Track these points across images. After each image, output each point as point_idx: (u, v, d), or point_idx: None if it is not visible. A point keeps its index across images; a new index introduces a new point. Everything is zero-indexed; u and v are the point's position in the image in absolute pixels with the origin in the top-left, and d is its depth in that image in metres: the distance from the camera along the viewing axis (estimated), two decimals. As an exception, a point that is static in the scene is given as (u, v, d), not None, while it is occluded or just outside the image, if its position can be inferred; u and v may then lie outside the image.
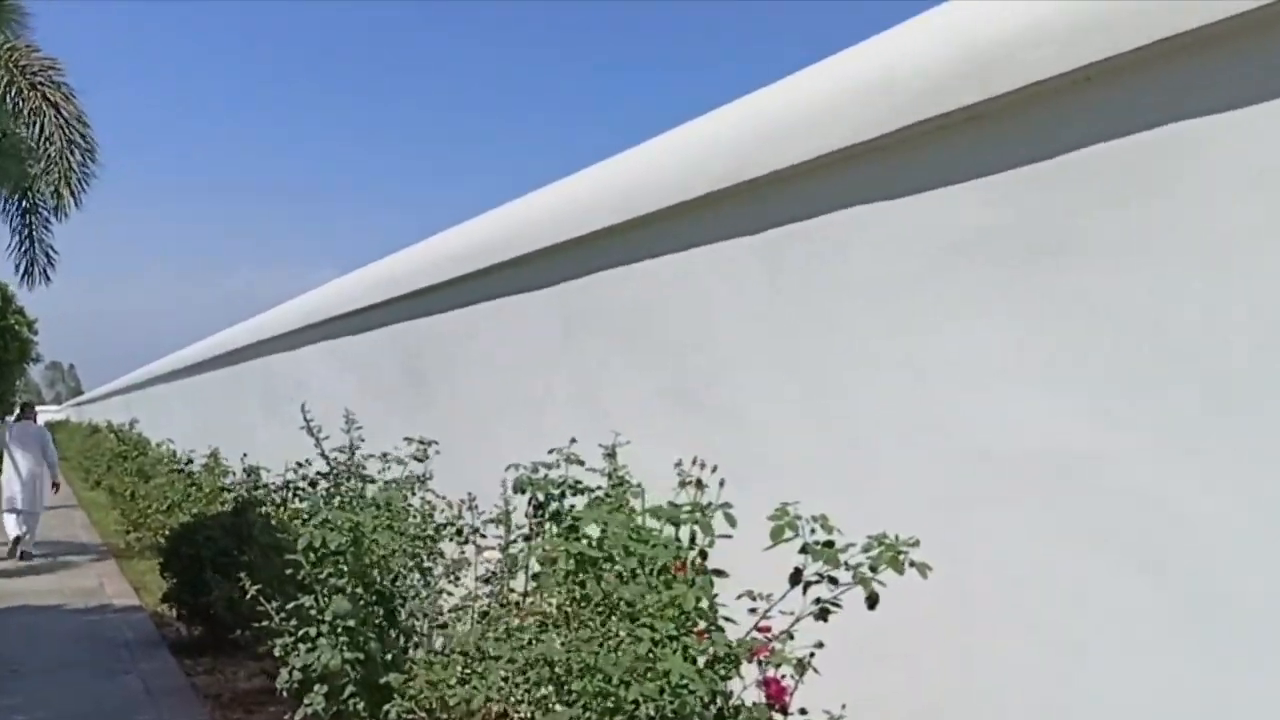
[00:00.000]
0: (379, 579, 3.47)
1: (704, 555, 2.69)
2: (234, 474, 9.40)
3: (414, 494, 3.98)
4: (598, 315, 4.68)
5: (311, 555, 3.36)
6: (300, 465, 5.59)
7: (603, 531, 3.28)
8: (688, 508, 2.70)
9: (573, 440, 3.79)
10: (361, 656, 3.29)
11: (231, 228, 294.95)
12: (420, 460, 3.71)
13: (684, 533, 2.78)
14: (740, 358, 3.75)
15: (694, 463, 2.99)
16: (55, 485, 13.04)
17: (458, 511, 3.72)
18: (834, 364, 3.34)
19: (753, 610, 2.56)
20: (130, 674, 6.45)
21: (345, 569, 3.32)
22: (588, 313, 4.75)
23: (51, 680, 6.27)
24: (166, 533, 9.73)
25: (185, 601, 7.13)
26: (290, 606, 3.51)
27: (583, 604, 2.72)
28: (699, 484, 2.77)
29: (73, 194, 11.51)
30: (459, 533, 3.68)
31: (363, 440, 4.18)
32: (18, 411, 13.85)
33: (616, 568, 2.69)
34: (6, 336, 40.18)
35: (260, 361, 11.14)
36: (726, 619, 2.69)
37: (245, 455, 7.81)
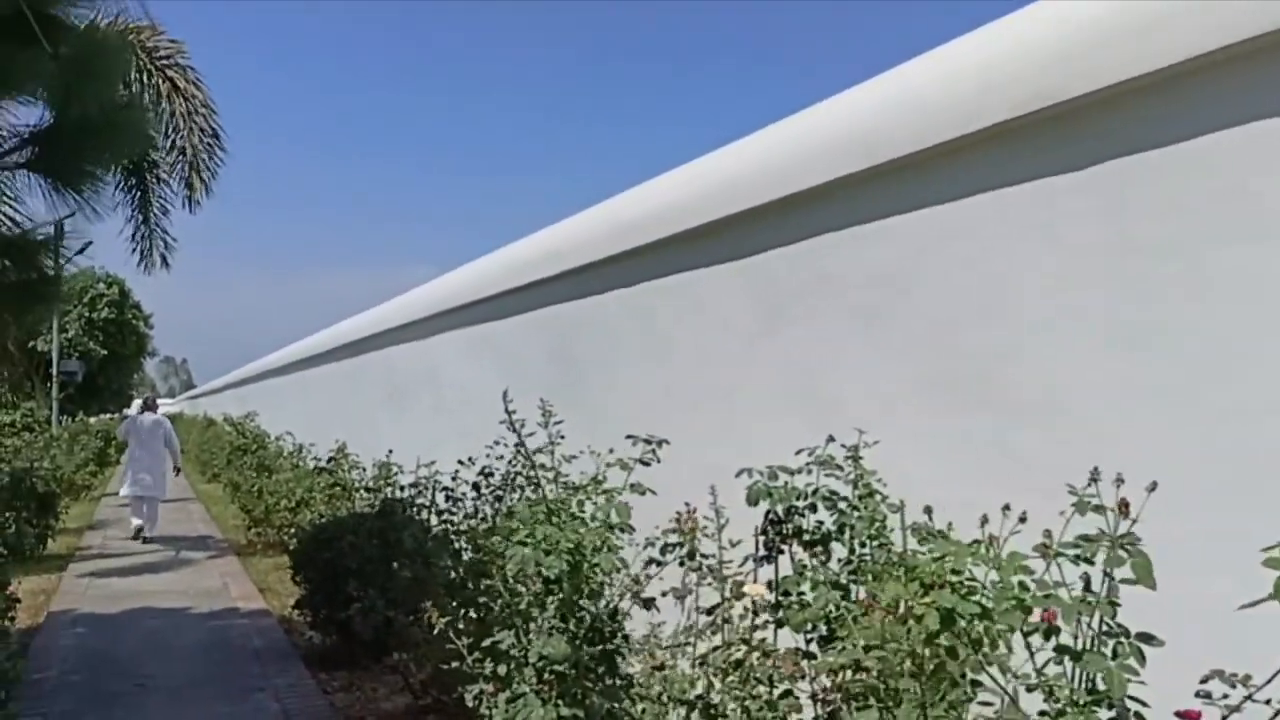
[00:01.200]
0: (596, 613, 2.72)
1: (1114, 605, 1.85)
2: (362, 469, 8.87)
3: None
4: (817, 289, 3.86)
5: (520, 582, 2.63)
6: (464, 464, 4.91)
7: (902, 568, 2.48)
8: (1105, 540, 1.86)
9: (809, 451, 2.99)
10: (581, 714, 2.55)
11: (319, 233, 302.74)
12: (645, 464, 2.95)
13: (1066, 571, 1.95)
14: (1053, 335, 2.89)
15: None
16: (177, 469, 13.79)
17: (686, 527, 2.94)
18: (1227, 337, 2.47)
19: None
20: (263, 690, 5.89)
21: (560, 599, 2.58)
22: (802, 287, 3.94)
23: (179, 699, 5.75)
24: (292, 531, 9.30)
25: (319, 610, 6.58)
26: (486, 644, 2.79)
27: (925, 673, 1.92)
28: (1099, 509, 1.92)
29: (204, 183, 11.21)
30: (690, 556, 2.91)
31: (562, 437, 3.44)
32: (140, 404, 14.54)
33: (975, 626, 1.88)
34: (125, 331, 41.50)
35: (385, 352, 10.64)
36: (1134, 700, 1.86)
37: (390, 451, 7.20)
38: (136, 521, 12.45)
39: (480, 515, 4.87)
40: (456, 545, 4.64)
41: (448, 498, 5.30)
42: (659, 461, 2.94)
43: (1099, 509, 1.93)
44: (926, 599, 1.83)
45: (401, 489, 5.84)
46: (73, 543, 12.26)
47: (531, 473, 3.11)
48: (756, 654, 2.64)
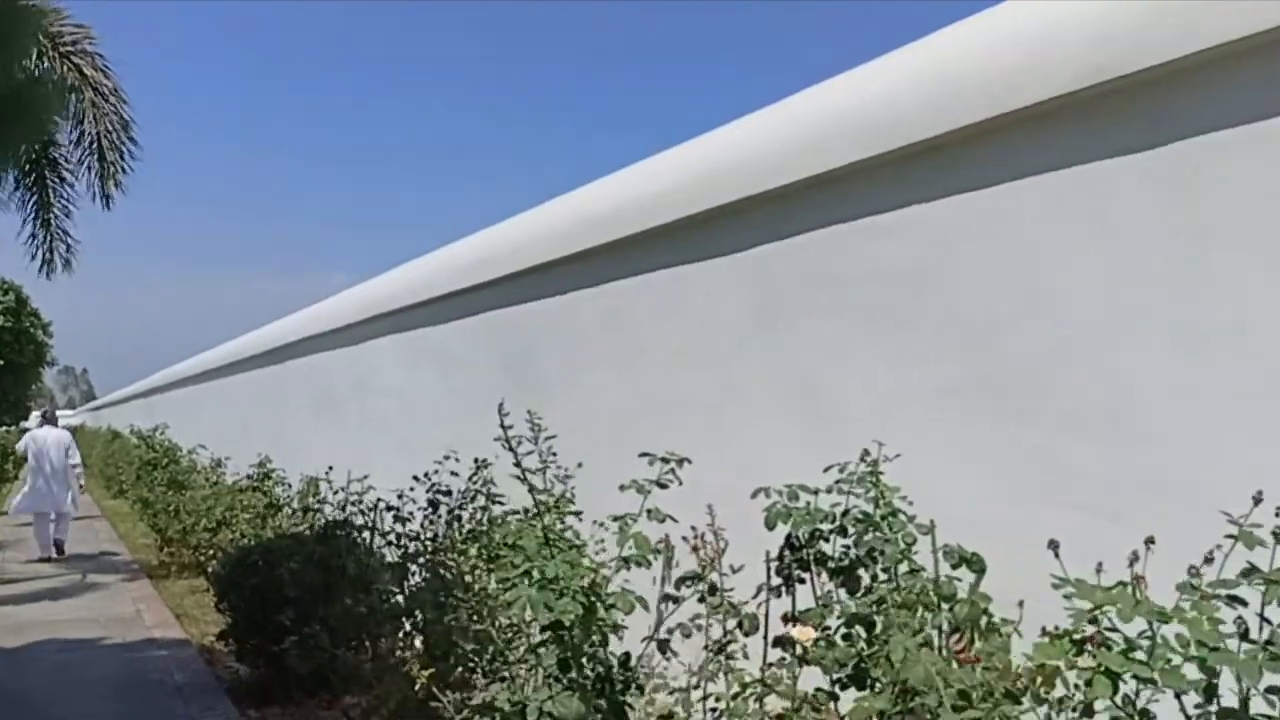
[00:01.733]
0: (607, 661, 2.34)
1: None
2: (287, 485, 8.29)
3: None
4: (821, 286, 3.53)
5: (513, 627, 2.22)
6: (420, 480, 4.48)
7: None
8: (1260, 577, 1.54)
9: (839, 468, 2.65)
10: (598, 785, 2.16)
11: (235, 237, 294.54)
12: (663, 486, 2.56)
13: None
14: (1109, 336, 2.60)
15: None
16: (81, 487, 13.35)
17: (705, 557, 2.57)
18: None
19: None
20: (188, 732, 5.34)
21: (569, 647, 2.18)
22: (804, 282, 3.60)
23: (94, 742, 5.16)
24: (211, 552, 8.65)
25: (247, 641, 6.03)
26: (477, 701, 2.37)
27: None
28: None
29: (114, 179, 10.45)
30: (712, 591, 2.54)
31: (554, 454, 3.04)
32: (39, 417, 14.00)
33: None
34: (22, 339, 39.30)
35: (311, 359, 10.03)
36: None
37: (329, 469, 6.65)
38: (44, 545, 11.94)
39: (433, 536, 4.44)
40: (413, 571, 4.20)
41: (396, 518, 4.84)
42: (679, 483, 2.56)
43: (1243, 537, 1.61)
44: (1087, 661, 1.49)
45: (342, 509, 5.34)
46: (-34, 567, 11.35)
47: (534, 497, 2.67)
48: (785, 700, 2.29)
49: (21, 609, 8.82)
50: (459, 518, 4.47)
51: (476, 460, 4.72)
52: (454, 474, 4.98)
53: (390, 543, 4.93)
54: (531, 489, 2.45)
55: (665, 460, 2.51)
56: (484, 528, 4.38)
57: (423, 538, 4.50)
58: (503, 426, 2.45)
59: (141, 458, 13.69)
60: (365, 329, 8.36)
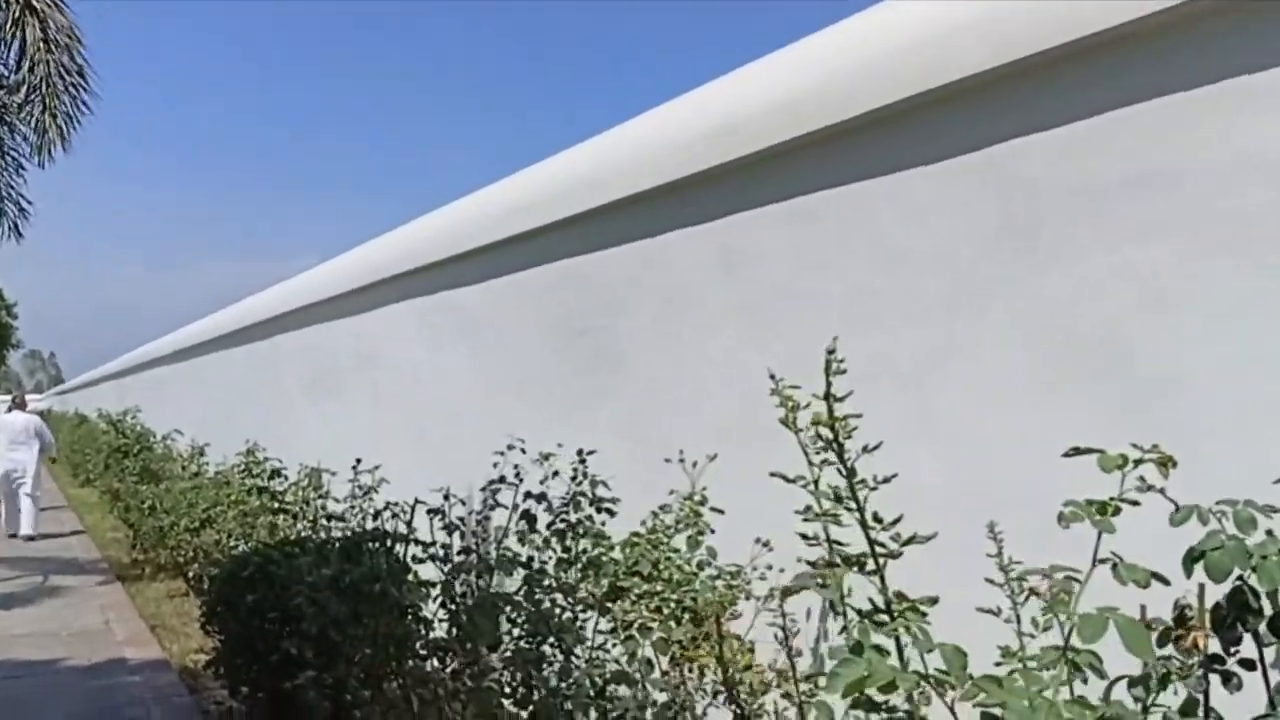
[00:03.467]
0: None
1: None
2: (283, 477, 7.08)
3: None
4: (1138, 190, 2.40)
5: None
6: (505, 483, 3.35)
7: None
8: None
9: None
10: None
11: (203, 219, 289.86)
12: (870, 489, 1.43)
13: None
14: None
15: None
16: (53, 459, 14.17)
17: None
18: None
19: None
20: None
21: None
22: (1097, 189, 2.47)
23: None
24: (192, 554, 7.45)
25: (242, 672, 4.87)
26: None
27: None
28: None
29: (61, 132, 9.12)
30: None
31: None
32: (10, 403, 13.89)
33: None
34: (-15, 321, 37.79)
35: (305, 332, 8.80)
36: None
37: (362, 462, 5.48)
38: (21, 527, 12.07)
39: (528, 561, 3.30)
40: (514, 617, 3.05)
41: (448, 528, 3.68)
42: (871, 486, 1.42)
43: None
44: None
45: (376, 516, 4.15)
46: (-90, 567, 10.06)
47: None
48: None
49: (-32, 621, 7.59)
50: (561, 533, 3.32)
51: (580, 454, 3.59)
52: (517, 474, 3.84)
53: (434, 557, 3.76)
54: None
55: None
56: (590, 548, 3.24)
57: (509, 559, 3.33)
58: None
59: (110, 444, 12.42)
60: (374, 295, 7.16)
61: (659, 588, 2.79)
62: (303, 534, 5.15)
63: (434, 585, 3.92)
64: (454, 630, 3.53)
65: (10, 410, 13.28)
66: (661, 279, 4.05)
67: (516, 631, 3.07)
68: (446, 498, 4.10)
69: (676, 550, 3.01)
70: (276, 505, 5.11)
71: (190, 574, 8.09)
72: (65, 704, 5.50)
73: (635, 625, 2.70)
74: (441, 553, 3.76)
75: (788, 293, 3.37)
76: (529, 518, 3.29)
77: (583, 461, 3.45)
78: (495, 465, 4.41)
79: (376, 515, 4.03)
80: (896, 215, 2.93)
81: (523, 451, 4.11)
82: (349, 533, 4.18)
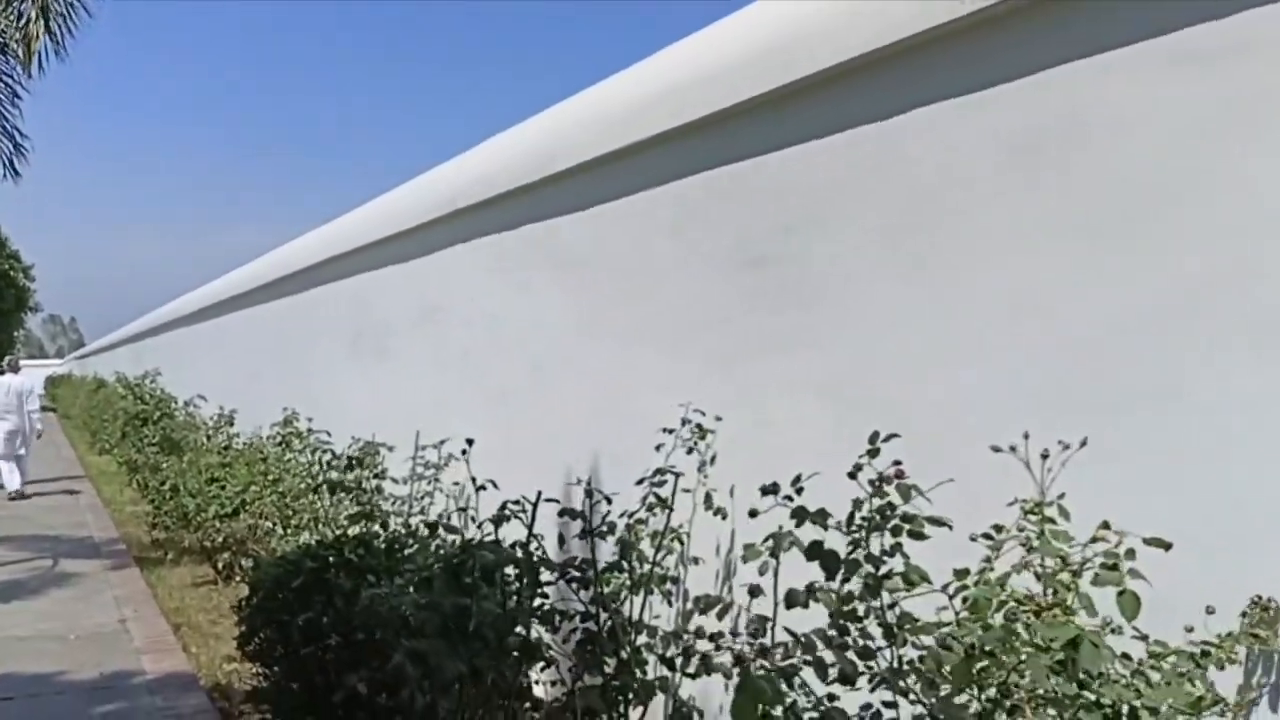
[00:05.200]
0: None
1: None
2: (328, 449, 5.91)
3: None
4: None
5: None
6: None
7: None
8: None
9: None
10: None
11: (220, 185, 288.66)
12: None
13: None
14: None
15: None
16: (39, 433, 13.85)
17: None
18: None
19: None
20: None
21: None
22: None
23: None
24: (223, 538, 6.30)
25: (292, 707, 3.72)
26: None
27: None
28: None
29: (50, 32, 7.86)
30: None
31: None
32: (6, 364, 13.83)
33: None
34: (3, 283, 36.67)
35: (352, 282, 7.59)
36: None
37: (385, 428, 4.30)
38: (10, 486, 12.22)
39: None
40: None
41: (589, 534, 2.48)
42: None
43: None
44: None
45: (497, 524, 2.93)
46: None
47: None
48: None
49: (-38, 616, 6.48)
50: (874, 584, 2.08)
51: (875, 442, 2.35)
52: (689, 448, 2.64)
53: (570, 578, 2.56)
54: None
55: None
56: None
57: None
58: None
59: (127, 410, 11.30)
60: (435, 233, 5.94)
61: (1056, 685, 1.56)
62: (367, 528, 3.96)
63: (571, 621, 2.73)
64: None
65: (4, 374, 13.42)
66: (897, 181, 2.80)
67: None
68: (590, 494, 2.90)
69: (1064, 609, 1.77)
70: (361, 505, 3.80)
71: (220, 563, 6.95)
72: (68, 737, 4.37)
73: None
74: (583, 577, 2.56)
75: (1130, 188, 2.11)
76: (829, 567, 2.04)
77: (875, 452, 2.19)
78: (660, 446, 3.20)
79: (497, 523, 2.79)
80: None
81: (688, 425, 2.89)
82: (431, 535, 2.96)
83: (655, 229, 3.86)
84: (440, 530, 2.75)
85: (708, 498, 3.31)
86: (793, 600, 2.48)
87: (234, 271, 12.33)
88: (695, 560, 3.35)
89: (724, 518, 3.24)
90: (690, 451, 3.38)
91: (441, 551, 2.81)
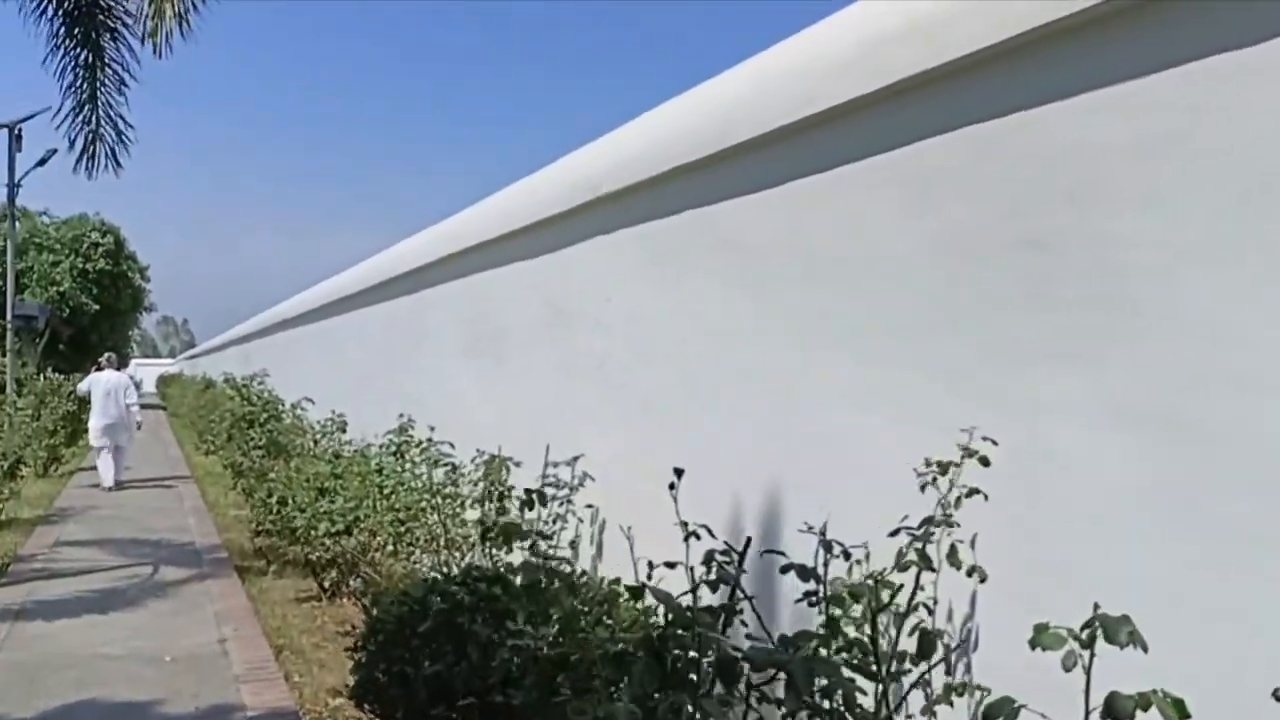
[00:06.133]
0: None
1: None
2: (450, 461, 5.30)
3: None
4: None
5: None
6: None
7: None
8: None
9: None
10: None
11: (335, 191, 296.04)
12: None
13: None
14: None
15: None
16: (138, 424, 14.20)
17: None
18: None
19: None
20: None
21: None
22: None
23: None
24: (331, 555, 5.75)
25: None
26: None
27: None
28: None
29: (177, 14, 7.49)
30: None
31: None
32: (105, 362, 14.27)
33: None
34: (119, 284, 37.70)
35: (469, 281, 7.03)
36: None
37: (509, 441, 3.64)
38: (106, 480, 12.80)
39: None
40: None
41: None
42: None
43: None
44: None
45: (731, 562, 2.22)
46: (14, 545, 8.76)
47: None
48: None
49: (55, 627, 6.06)
50: None
51: None
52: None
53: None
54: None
55: None
56: None
57: None
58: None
59: (234, 412, 11.00)
60: (568, 226, 5.31)
61: None
62: (497, 560, 3.31)
63: None
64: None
65: (103, 370, 13.98)
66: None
67: None
68: (827, 545, 2.17)
69: None
70: (535, 555, 3.22)
71: (325, 581, 6.42)
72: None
73: None
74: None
75: None
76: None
77: None
78: (923, 486, 2.47)
79: (710, 583, 2.08)
80: None
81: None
82: (633, 598, 2.27)
83: (868, 207, 3.12)
84: (647, 594, 2.04)
85: (952, 550, 2.56)
86: (1120, 711, 1.74)
87: (345, 271, 11.98)
88: (942, 635, 2.59)
89: (983, 580, 2.48)
90: (924, 489, 2.63)
91: (640, 618, 2.11)
